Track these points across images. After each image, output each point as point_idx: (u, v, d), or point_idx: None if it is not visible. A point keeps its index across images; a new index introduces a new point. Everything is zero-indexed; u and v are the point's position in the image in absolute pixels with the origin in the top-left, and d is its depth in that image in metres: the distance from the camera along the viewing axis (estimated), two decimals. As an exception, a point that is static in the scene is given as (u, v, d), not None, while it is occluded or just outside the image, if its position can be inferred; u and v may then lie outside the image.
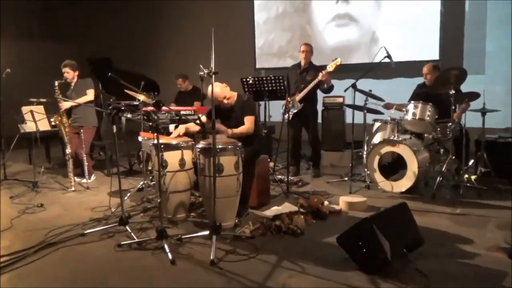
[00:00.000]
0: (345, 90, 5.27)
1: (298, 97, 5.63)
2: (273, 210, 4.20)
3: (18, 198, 5.04)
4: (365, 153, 5.29)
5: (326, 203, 4.32)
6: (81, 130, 5.56)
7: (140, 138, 4.79)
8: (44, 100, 6.55)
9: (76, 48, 10.84)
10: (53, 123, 5.71)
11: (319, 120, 6.49)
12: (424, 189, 5.00)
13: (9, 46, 9.93)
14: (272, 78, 5.20)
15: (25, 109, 5.64)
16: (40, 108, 5.72)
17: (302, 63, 5.76)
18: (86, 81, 5.78)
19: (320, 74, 5.44)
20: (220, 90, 4.13)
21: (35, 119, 5.45)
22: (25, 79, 9.76)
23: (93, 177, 5.88)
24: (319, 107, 6.25)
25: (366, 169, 5.13)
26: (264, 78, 5.21)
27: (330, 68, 5.41)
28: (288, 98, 5.45)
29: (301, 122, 5.78)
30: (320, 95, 5.90)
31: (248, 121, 4.19)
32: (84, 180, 5.66)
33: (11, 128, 6.33)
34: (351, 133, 5.34)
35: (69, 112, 5.71)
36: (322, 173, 5.93)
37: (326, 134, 6.63)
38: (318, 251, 3.34)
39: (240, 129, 4.16)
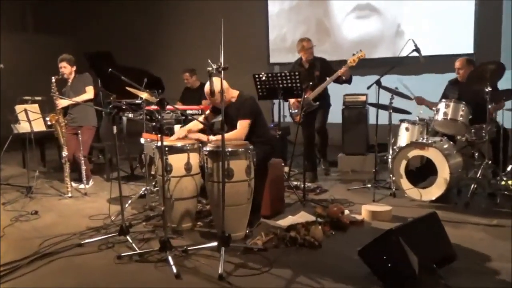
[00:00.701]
0: (368, 87, 5.24)
1: (312, 95, 5.63)
2: (288, 220, 4.19)
3: (11, 205, 5.11)
4: (390, 157, 5.26)
5: (346, 212, 4.30)
6: (80, 131, 5.62)
7: (142, 140, 4.83)
8: (39, 98, 6.64)
9: (74, 41, 10.97)
10: (49, 123, 5.76)
11: (340, 120, 6.49)
12: (456, 197, 4.94)
13: (1, 40, 10.06)
14: (287, 74, 5.20)
15: (18, 108, 5.70)
16: (35, 107, 5.78)
17: (305, 58, 5.82)
18: (84, 77, 5.85)
19: (341, 69, 5.44)
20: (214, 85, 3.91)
21: (29, 118, 5.52)
22: (18, 75, 9.91)
23: (91, 182, 5.94)
24: (338, 105, 6.24)
25: (391, 175, 5.10)
26: (278, 74, 5.21)
27: (351, 62, 5.40)
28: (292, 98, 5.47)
29: (313, 120, 5.82)
30: (334, 91, 5.89)
31: (240, 125, 4.12)
32: (81, 186, 5.71)
33: (4, 128, 6.42)
34: (375, 134, 5.31)
35: (65, 111, 5.76)
36: (342, 178, 5.93)
37: (347, 135, 6.60)
38: (337, 265, 3.33)
39: (230, 134, 4.07)
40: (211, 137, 4.12)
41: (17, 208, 4.97)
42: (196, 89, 7.01)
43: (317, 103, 5.70)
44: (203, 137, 4.16)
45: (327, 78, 5.73)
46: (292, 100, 5.85)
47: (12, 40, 10.66)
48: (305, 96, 5.56)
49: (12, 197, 5.41)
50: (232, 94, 4.27)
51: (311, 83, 5.56)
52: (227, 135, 4.08)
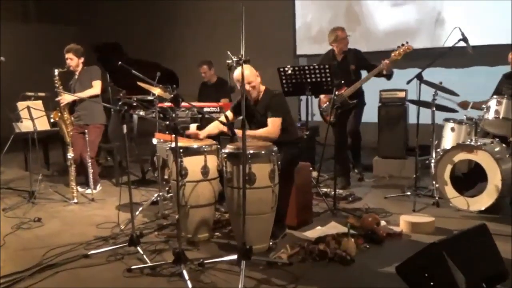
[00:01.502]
0: (408, 82, 5.19)
1: (347, 92, 5.60)
2: (317, 231, 4.17)
3: (12, 211, 5.22)
4: (433, 161, 5.19)
5: (383, 223, 4.26)
6: (86, 130, 5.71)
7: (154, 141, 4.87)
8: (42, 94, 6.74)
9: (79, 32, 11.12)
10: (52, 120, 5.84)
11: (376, 120, 6.43)
12: (509, 207, 4.85)
13: (1, 31, 10.26)
14: (316, 67, 5.18)
15: (21, 105, 5.78)
16: (39, 103, 5.86)
17: (339, 50, 5.78)
18: (92, 70, 5.94)
19: (383, 63, 5.40)
20: (250, 71, 4.09)
21: (32, 116, 5.61)
22: (20, 69, 10.11)
23: (99, 187, 6.03)
24: (374, 102, 6.20)
25: (434, 182, 5.04)
26: (307, 68, 5.20)
27: (396, 56, 5.34)
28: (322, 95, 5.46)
29: (346, 120, 5.81)
30: (369, 86, 5.85)
31: (272, 123, 4.15)
32: (88, 191, 5.80)
33: (5, 127, 6.56)
34: (415, 135, 5.26)
35: (71, 107, 5.85)
36: (378, 184, 5.90)
37: (384, 136, 6.54)
38: (372, 283, 3.30)
39: (261, 132, 4.12)
40: (238, 131, 4.12)
41: (18, 214, 5.07)
42: (213, 85, 7.04)
43: (354, 101, 5.68)
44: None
45: (361, 73, 5.70)
46: (322, 97, 5.83)
47: (14, 31, 10.86)
48: (340, 93, 5.55)
49: (13, 202, 5.52)
50: (260, 88, 4.29)
51: (342, 81, 5.53)
52: (257, 132, 4.11)
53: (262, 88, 4.30)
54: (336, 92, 5.22)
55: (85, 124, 5.85)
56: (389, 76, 5.68)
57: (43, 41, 10.85)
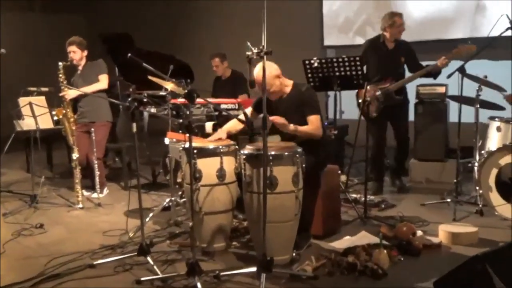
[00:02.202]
0: (449, 76, 5.13)
1: (395, 86, 5.58)
2: (345, 241, 4.15)
3: (12, 216, 5.29)
4: (476, 164, 5.13)
5: (419, 233, 4.23)
6: (92, 128, 5.77)
7: (167, 140, 4.90)
8: (46, 89, 6.83)
9: (87, 22, 11.26)
10: (55, 117, 5.89)
11: (412, 118, 6.38)
12: None
13: (3, 22, 10.39)
14: (346, 59, 5.16)
15: (22, 101, 5.82)
16: (41, 99, 5.90)
17: (391, 37, 5.71)
18: (97, 64, 5.99)
19: (440, 60, 5.36)
20: (267, 75, 3.96)
21: (34, 114, 5.66)
22: (22, 62, 10.27)
23: (105, 191, 6.09)
24: (411, 99, 6.15)
25: (477, 187, 4.98)
26: (335, 60, 5.18)
27: (457, 54, 5.24)
28: (367, 88, 5.38)
29: (388, 119, 5.74)
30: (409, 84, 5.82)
31: (313, 122, 4.14)
32: (94, 195, 5.86)
33: (6, 125, 6.64)
34: (457, 136, 5.20)
35: (74, 104, 5.89)
36: (412, 187, 5.86)
37: (421, 137, 6.48)
38: (407, 300, 3.27)
39: (306, 128, 4.12)
40: (291, 125, 4.06)
41: (19, 220, 5.14)
42: (228, 80, 7.03)
43: (400, 97, 5.64)
44: (284, 122, 4.03)
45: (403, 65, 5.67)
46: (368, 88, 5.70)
47: (15, 21, 10.99)
48: (385, 86, 5.51)
49: (14, 207, 5.59)
50: (286, 83, 4.28)
51: (376, 79, 5.51)
52: (305, 128, 4.10)
53: (289, 82, 4.28)
54: (380, 86, 5.17)
55: (90, 122, 5.90)
56: (436, 75, 5.64)
57: (48, 32, 10.97)
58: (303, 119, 4.14)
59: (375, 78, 5.47)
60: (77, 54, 5.90)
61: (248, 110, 4.46)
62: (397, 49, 5.74)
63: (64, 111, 5.69)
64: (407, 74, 5.81)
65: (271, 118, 3.90)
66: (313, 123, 4.14)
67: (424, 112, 6.49)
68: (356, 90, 5.78)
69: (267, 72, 3.72)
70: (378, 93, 5.55)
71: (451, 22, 7.90)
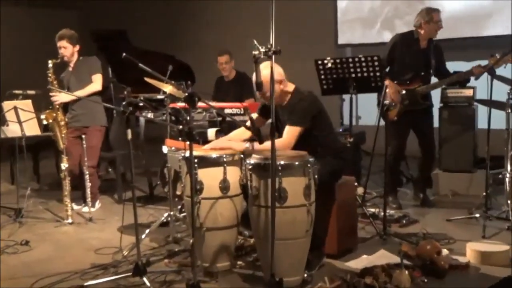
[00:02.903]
0: (477, 78, 5.13)
1: (424, 88, 5.59)
2: (362, 261, 4.14)
3: (-5, 232, 5.31)
4: (508, 175, 5.11)
5: (445, 252, 4.20)
6: (85, 133, 5.80)
7: (165, 149, 4.90)
8: (33, 92, 6.81)
9: (79, 17, 11.30)
10: (44, 122, 5.89)
11: (436, 123, 6.36)
12: None
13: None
14: (363, 59, 5.16)
15: (6, 105, 5.84)
16: (28, 103, 5.91)
17: (426, 35, 5.71)
18: (90, 61, 6.00)
19: (475, 67, 5.37)
20: (264, 76, 3.76)
21: (20, 119, 5.67)
22: (8, 61, 10.31)
23: (98, 204, 6.10)
24: (435, 102, 6.14)
25: (509, 201, 4.97)
26: (351, 60, 5.18)
27: (495, 62, 5.19)
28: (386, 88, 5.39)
29: (410, 125, 5.75)
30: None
31: (287, 133, 4.10)
32: (85, 209, 5.87)
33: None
34: (486, 144, 5.18)
35: (64, 106, 5.89)
36: (437, 201, 5.86)
37: (446, 145, 6.45)
38: (431, 326, 3.25)
39: (265, 146, 3.98)
40: (246, 145, 4.11)
41: (3, 236, 5.13)
42: (232, 81, 7.03)
43: (426, 102, 5.65)
44: (238, 145, 4.17)
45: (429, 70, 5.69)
46: (391, 88, 5.69)
47: (1, 16, 10.98)
48: (412, 88, 5.50)
49: (-3, 222, 5.61)
50: (288, 90, 4.26)
51: (422, 73, 5.50)
52: (263, 146, 4.03)
53: (291, 87, 4.27)
54: (406, 87, 5.16)
55: (83, 126, 5.92)
56: (466, 82, 5.64)
57: (36, 28, 11.00)
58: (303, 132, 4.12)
59: (407, 76, 5.43)
60: (68, 49, 5.87)
61: (254, 116, 4.46)
62: (429, 49, 5.74)
63: (54, 115, 5.68)
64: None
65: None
66: (286, 134, 4.08)
67: (450, 118, 6.46)
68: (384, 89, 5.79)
69: (266, 74, 3.69)
70: (403, 92, 5.54)
71: (487, 18, 7.89)
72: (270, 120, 3.36)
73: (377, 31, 8.84)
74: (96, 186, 6.04)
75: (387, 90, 5.65)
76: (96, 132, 5.97)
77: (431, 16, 5.67)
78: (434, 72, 5.79)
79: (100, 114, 6.05)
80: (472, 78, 5.65)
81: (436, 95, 6.34)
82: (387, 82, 5.50)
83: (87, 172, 5.76)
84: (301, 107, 4.15)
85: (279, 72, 4.11)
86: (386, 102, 5.67)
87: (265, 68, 3.81)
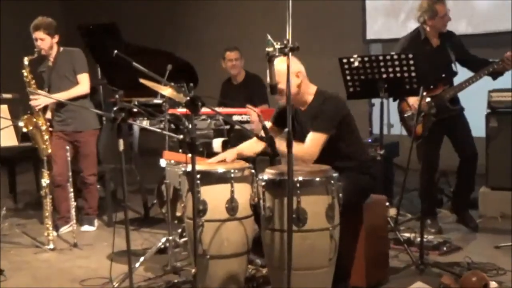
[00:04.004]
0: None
1: (449, 92, 5.57)
2: (395, 295, 4.12)
3: (-36, 259, 5.33)
4: None
5: (493, 285, 4.18)
6: (77, 139, 5.87)
7: (163, 162, 4.90)
8: (9, 95, 6.87)
9: (64, 9, 11.35)
10: (24, 129, 5.86)
11: (482, 133, 6.34)
12: None
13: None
14: (395, 57, 5.14)
15: (-23, 111, 5.90)
16: (3, 109, 5.95)
17: (434, 31, 5.74)
18: (74, 54, 6.00)
19: (508, 55, 5.35)
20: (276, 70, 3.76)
21: (-7, 128, 5.72)
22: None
23: (96, 223, 6.18)
24: (479, 108, 6.13)
25: None
26: (381, 58, 5.17)
27: None
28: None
29: (443, 134, 5.76)
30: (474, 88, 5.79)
31: (311, 140, 4.11)
32: (87, 227, 5.98)
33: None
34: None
35: (45, 107, 5.92)
36: (486, 227, 5.84)
37: (495, 159, 6.42)
38: None
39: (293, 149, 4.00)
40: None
41: (-27, 264, 5.17)
42: (242, 84, 7.02)
43: (457, 107, 5.62)
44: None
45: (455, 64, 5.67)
46: (412, 99, 5.73)
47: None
48: (436, 94, 5.48)
49: (-34, 247, 5.64)
50: (309, 90, 4.28)
51: (443, 75, 5.49)
52: (296, 147, 4.05)
53: (312, 89, 4.29)
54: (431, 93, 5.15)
55: (75, 131, 5.97)
56: (497, 75, 5.60)
57: (13, 22, 11.06)
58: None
59: (427, 84, 5.43)
60: (45, 41, 5.86)
61: (268, 124, 4.45)
62: (444, 45, 5.73)
63: (34, 120, 5.69)
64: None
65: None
66: (309, 141, 4.09)
67: (499, 126, 6.42)
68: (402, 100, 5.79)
69: (281, 66, 3.61)
70: (428, 100, 5.52)
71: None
72: (286, 129, 3.35)
73: (412, 24, 8.84)
74: (96, 198, 6.12)
75: (407, 99, 5.73)
76: (91, 138, 6.06)
77: (434, 10, 5.64)
78: (461, 64, 5.74)
79: (92, 115, 6.09)
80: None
81: (480, 99, 6.33)
82: None
83: (89, 181, 5.96)
84: (326, 110, 4.16)
85: (299, 68, 4.12)
86: (408, 114, 5.77)
87: (281, 63, 3.74)
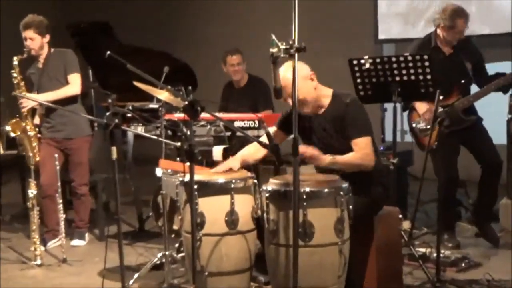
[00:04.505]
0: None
1: (463, 102, 5.56)
2: (410, 316, 4.11)
3: None
4: None
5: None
6: (67, 147, 5.88)
7: (159, 172, 4.90)
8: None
9: (55, 8, 11.37)
10: (12, 134, 5.88)
11: (503, 140, 6.32)
12: None
13: None
14: (409, 58, 5.14)
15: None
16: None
17: (446, 40, 5.72)
18: (65, 55, 6.01)
19: None
20: (288, 76, 3.84)
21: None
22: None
23: (87, 237, 6.18)
24: (498, 113, 6.11)
25: None
26: (394, 59, 5.17)
27: None
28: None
29: (458, 146, 5.75)
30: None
31: (361, 145, 4.13)
32: (77, 241, 5.98)
33: None
34: None
35: (33, 111, 5.94)
36: (504, 239, 5.82)
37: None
38: None
39: (349, 158, 4.11)
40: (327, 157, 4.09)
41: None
42: (245, 88, 7.01)
43: (472, 117, 5.61)
44: (317, 154, 4.08)
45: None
46: (421, 107, 5.74)
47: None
48: (449, 103, 5.48)
49: None
50: (324, 93, 4.29)
51: (462, 81, 5.49)
52: (346, 158, 4.09)
53: (328, 91, 4.30)
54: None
55: (66, 138, 5.97)
56: (508, 88, 5.59)
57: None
58: (347, 143, 4.15)
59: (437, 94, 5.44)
60: (36, 41, 5.86)
61: (272, 130, 4.45)
62: (457, 54, 5.73)
63: (23, 124, 5.69)
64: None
65: (304, 149, 3.90)
66: (361, 149, 4.12)
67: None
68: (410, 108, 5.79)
69: (300, 79, 3.72)
70: (440, 110, 5.50)
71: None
72: (292, 136, 3.35)
73: (426, 23, 8.85)
74: (87, 210, 6.13)
75: (417, 109, 5.74)
76: (83, 145, 6.07)
77: (454, 23, 5.62)
78: (474, 76, 5.74)
79: (84, 121, 6.10)
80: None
81: (500, 103, 6.31)
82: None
83: (81, 192, 5.99)
84: (361, 114, 4.23)
85: (306, 68, 4.17)
86: (419, 125, 5.77)
87: (290, 69, 3.79)
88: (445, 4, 5.86)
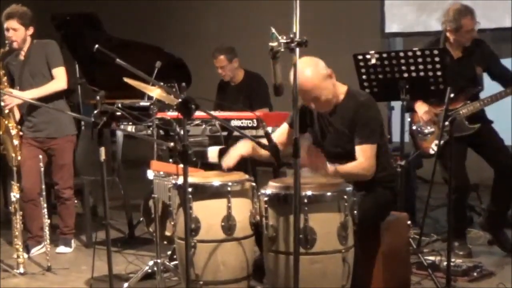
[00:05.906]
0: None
1: (468, 108, 5.56)
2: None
3: None
4: None
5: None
6: (51, 147, 5.87)
7: (150, 174, 4.91)
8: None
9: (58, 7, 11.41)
10: None
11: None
12: None
13: None
14: (418, 53, 5.15)
15: None
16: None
17: (455, 43, 5.71)
18: (48, 46, 5.97)
19: None
20: (311, 77, 4.09)
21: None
22: None
23: (73, 244, 6.17)
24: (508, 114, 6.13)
25: None
26: (402, 54, 5.18)
27: None
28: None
29: (465, 151, 5.76)
30: (492, 88, 5.80)
31: (367, 154, 4.14)
32: (62, 248, 5.97)
33: None
34: None
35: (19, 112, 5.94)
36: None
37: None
38: None
39: (350, 168, 4.12)
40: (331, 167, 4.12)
41: None
42: (240, 85, 7.01)
43: (476, 125, 5.60)
44: (322, 162, 4.14)
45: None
46: (421, 107, 5.74)
47: None
48: (455, 108, 5.50)
49: None
50: (340, 89, 4.31)
51: (479, 88, 5.51)
52: (347, 168, 4.12)
53: (342, 89, 4.31)
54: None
55: (48, 138, 5.96)
56: None
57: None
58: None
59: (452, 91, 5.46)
60: (18, 32, 5.80)
61: (283, 127, 4.47)
62: (468, 57, 5.73)
63: (6, 122, 5.69)
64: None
65: (306, 152, 3.93)
66: (367, 158, 4.14)
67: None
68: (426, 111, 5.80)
69: (314, 73, 3.75)
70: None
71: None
72: (306, 139, 3.37)
73: (438, 16, 8.87)
74: (73, 215, 6.12)
75: (416, 110, 5.76)
76: (67, 144, 6.04)
77: (459, 24, 5.58)
78: (491, 77, 5.75)
79: (68, 119, 6.07)
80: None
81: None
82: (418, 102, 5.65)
83: (66, 196, 5.96)
84: (374, 117, 4.24)
85: (323, 65, 4.19)
86: (426, 130, 5.78)
87: (306, 67, 3.87)
88: (448, 5, 5.85)
